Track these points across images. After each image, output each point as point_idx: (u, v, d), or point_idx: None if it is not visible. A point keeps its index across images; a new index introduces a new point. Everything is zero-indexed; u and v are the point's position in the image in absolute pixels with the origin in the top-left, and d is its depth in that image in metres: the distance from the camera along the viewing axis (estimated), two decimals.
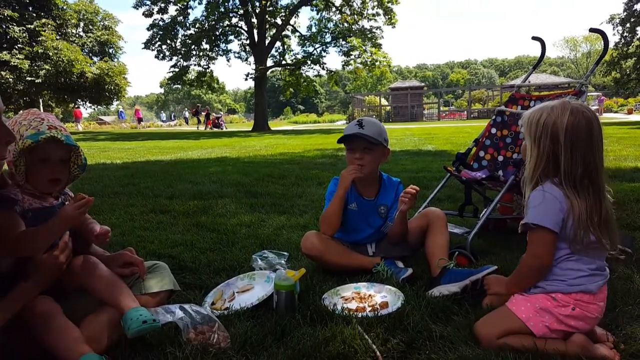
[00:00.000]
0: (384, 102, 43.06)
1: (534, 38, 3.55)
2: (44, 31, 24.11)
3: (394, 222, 2.46)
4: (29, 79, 23.77)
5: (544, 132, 1.61)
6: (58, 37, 25.28)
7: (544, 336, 1.62)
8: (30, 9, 25.59)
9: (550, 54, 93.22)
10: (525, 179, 1.70)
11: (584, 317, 1.61)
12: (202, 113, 35.30)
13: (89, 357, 1.49)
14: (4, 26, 23.29)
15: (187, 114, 50.73)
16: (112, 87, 28.53)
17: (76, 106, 35.75)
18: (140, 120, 38.40)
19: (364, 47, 26.90)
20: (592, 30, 3.20)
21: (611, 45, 20.86)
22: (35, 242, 1.58)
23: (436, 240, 2.40)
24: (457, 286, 2.08)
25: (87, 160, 1.84)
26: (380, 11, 26.84)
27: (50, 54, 23.98)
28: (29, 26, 23.99)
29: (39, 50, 23.80)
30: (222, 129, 30.78)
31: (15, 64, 22.91)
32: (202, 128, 32.26)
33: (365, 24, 27.76)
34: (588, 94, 3.25)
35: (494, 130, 3.47)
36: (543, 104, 1.70)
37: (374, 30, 27.78)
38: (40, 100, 28.56)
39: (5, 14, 22.92)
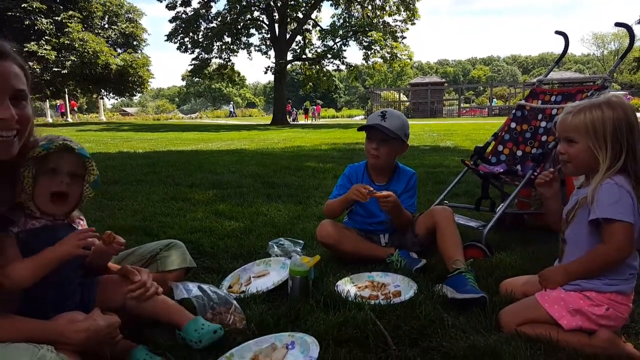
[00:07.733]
0: (403, 97, 42.57)
1: (557, 32, 3.50)
2: (71, 23, 24.59)
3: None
4: (56, 69, 24.32)
5: (618, 130, 1.58)
6: (84, 29, 25.74)
7: (571, 330, 1.62)
8: (58, 1, 26.11)
9: (576, 51, 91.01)
10: (594, 178, 1.63)
11: (616, 317, 1.61)
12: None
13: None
14: (32, 18, 23.78)
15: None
16: (136, 79, 29.03)
17: (100, 97, 36.33)
18: (63, 114, 38.29)
19: (384, 42, 26.70)
20: (617, 24, 3.14)
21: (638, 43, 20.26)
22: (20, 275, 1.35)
23: (447, 239, 2.33)
24: (454, 295, 1.97)
25: (99, 176, 1.61)
26: (402, 7, 26.63)
27: (76, 45, 24.48)
28: (56, 18, 24.48)
29: (65, 42, 24.30)
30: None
31: (43, 54, 23.43)
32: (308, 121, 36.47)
33: (387, 18, 27.60)
34: (614, 92, 3.19)
35: (513, 125, 3.43)
36: (579, 104, 1.68)
37: (396, 23, 27.60)
38: (66, 90, 29.15)
39: (34, 6, 23.43)
